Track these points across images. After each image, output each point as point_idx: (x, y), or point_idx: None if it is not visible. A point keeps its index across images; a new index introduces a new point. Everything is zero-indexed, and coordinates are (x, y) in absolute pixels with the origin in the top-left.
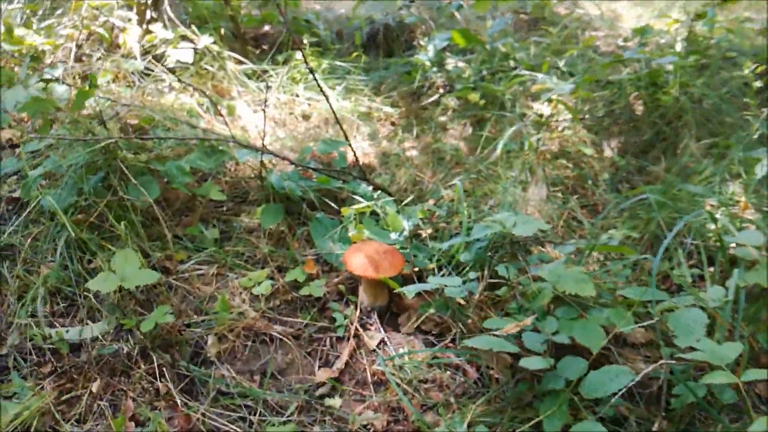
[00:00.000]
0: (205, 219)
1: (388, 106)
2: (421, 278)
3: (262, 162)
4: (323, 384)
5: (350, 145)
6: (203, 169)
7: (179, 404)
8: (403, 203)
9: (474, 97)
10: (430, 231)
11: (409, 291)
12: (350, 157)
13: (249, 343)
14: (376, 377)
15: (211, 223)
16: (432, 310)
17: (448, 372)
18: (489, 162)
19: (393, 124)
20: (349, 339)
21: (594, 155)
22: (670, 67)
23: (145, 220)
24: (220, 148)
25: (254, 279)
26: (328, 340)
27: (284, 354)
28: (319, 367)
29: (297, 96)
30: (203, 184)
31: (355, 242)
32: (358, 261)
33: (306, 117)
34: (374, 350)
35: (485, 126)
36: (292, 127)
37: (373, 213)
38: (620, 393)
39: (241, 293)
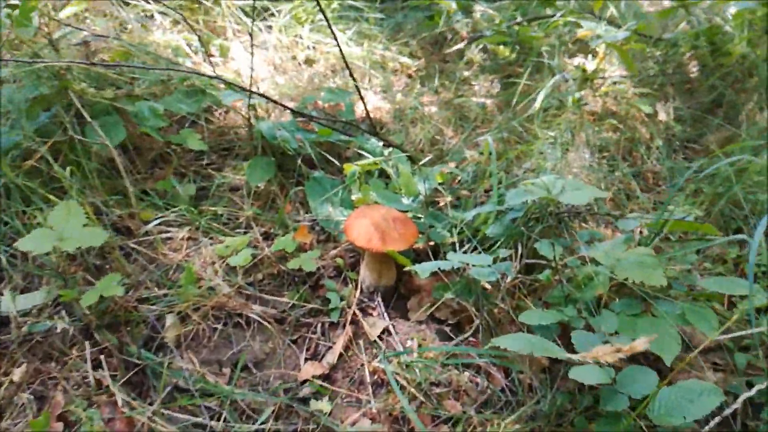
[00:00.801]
0: (181, 173)
1: (406, 56)
2: (437, 254)
3: (250, 105)
4: (309, 382)
5: (360, 95)
6: (182, 112)
7: (120, 403)
8: (420, 164)
9: (503, 51)
10: (450, 199)
11: (423, 270)
12: (359, 110)
13: (219, 327)
14: (376, 376)
15: (187, 178)
16: (450, 295)
17: (467, 374)
18: (522, 118)
19: (410, 76)
20: (345, 326)
21: (647, 118)
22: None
23: (106, 169)
24: (204, 89)
25: (232, 246)
26: (319, 326)
27: (263, 341)
28: (306, 360)
29: (301, 38)
30: (182, 132)
31: (358, 207)
32: (361, 229)
33: (310, 62)
34: (376, 341)
35: (517, 83)
36: (293, 74)
37: (383, 174)
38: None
39: (214, 263)
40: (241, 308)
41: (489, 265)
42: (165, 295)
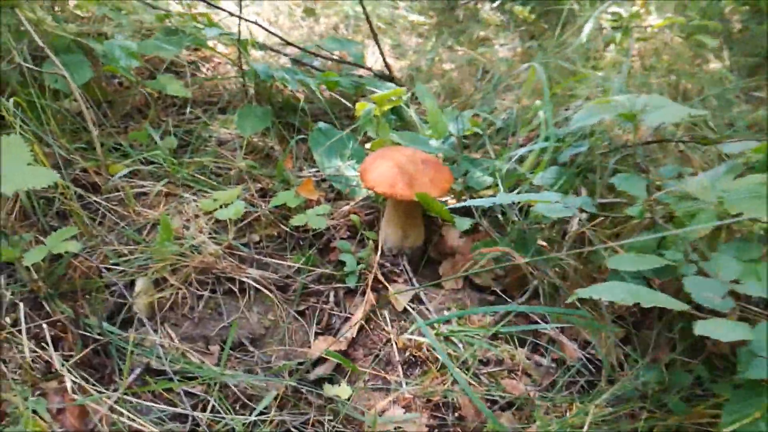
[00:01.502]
0: (160, 127)
1: (416, 14)
2: (471, 213)
3: (241, 42)
4: (323, 361)
5: (376, 39)
6: (162, 56)
7: (69, 389)
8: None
9: (522, 11)
10: (482, 152)
11: (464, 221)
12: (370, 63)
13: (205, 294)
14: (407, 353)
15: (167, 130)
16: (493, 255)
17: (524, 351)
18: (561, 58)
19: (421, 35)
20: (365, 293)
21: (696, 68)
22: None
23: (70, 122)
24: (187, 30)
25: (221, 199)
26: (331, 294)
27: (261, 313)
28: (317, 334)
29: None
30: (160, 77)
31: (376, 150)
32: (383, 172)
33: (310, 14)
34: (405, 311)
35: (542, 40)
36: (291, 28)
37: (400, 118)
38: None
39: (198, 217)
40: (233, 271)
41: (556, 201)
42: (135, 256)
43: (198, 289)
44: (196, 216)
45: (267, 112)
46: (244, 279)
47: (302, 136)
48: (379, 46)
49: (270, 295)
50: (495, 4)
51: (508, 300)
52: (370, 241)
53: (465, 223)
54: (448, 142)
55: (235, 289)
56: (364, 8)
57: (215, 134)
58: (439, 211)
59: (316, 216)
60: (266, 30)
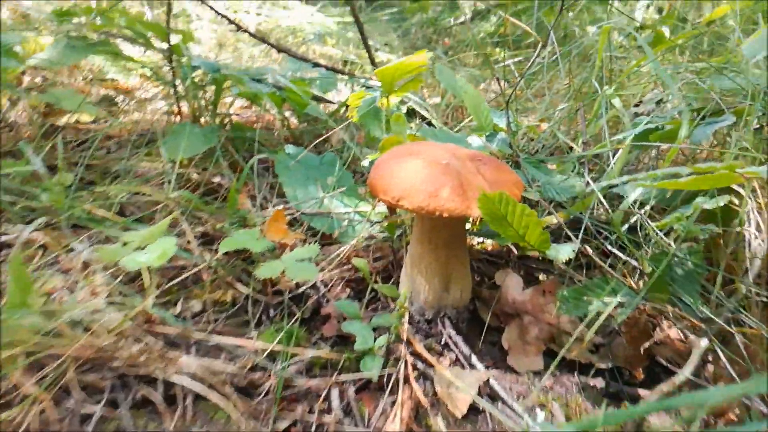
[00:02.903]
0: (53, 163)
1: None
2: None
3: (174, 48)
4: None
5: (366, 43)
6: (53, 65)
7: None
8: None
9: (498, 52)
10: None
11: (563, 249)
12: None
13: (95, 410)
14: None
15: (63, 159)
16: (599, 304)
17: None
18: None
19: None
20: (398, 388)
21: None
22: None
23: None
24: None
25: (135, 242)
26: (335, 394)
27: None
28: None
29: (247, 13)
30: (52, 91)
31: (390, 149)
32: (413, 174)
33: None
34: (469, 415)
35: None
36: (237, 51)
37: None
38: None
39: (92, 274)
40: (152, 363)
41: None
42: None
43: (82, 402)
44: (88, 271)
45: (211, 131)
46: (174, 378)
47: (266, 165)
48: (368, 49)
49: (223, 405)
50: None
51: (632, 384)
52: (391, 300)
53: (565, 251)
54: (498, 139)
55: (157, 398)
56: (356, 17)
57: (137, 168)
58: (530, 233)
59: (297, 263)
60: (230, 20)
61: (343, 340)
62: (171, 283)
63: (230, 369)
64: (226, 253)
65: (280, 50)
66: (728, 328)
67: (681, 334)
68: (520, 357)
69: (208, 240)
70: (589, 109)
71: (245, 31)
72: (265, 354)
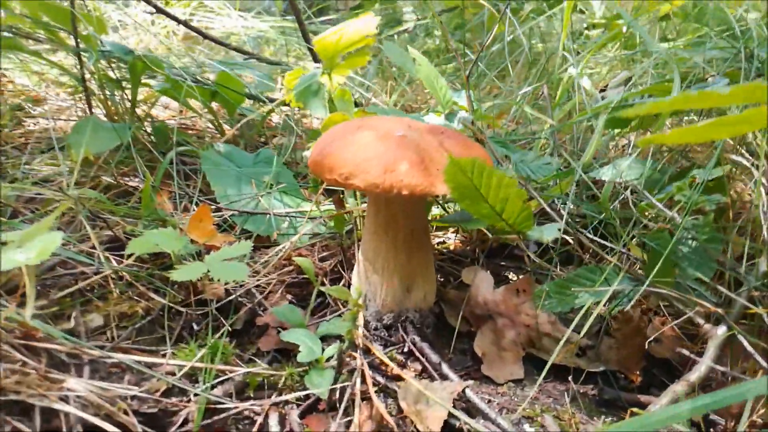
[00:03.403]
0: None
1: None
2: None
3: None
4: None
5: (306, 38)
6: None
7: None
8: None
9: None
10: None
11: (548, 230)
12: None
13: None
14: None
15: None
16: (589, 297)
17: None
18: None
19: None
20: (353, 406)
21: None
22: None
23: None
24: None
25: (14, 241)
26: (273, 419)
27: None
28: None
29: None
30: None
31: (334, 125)
32: (365, 148)
33: (190, 40)
34: None
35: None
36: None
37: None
38: None
39: None
40: (26, 387)
41: None
42: None
43: None
44: None
45: (123, 127)
46: (56, 406)
47: (194, 167)
48: (305, 34)
49: None
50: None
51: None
52: (342, 305)
53: (550, 231)
54: (459, 118)
55: (32, 431)
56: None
57: (34, 171)
58: (509, 208)
59: (224, 264)
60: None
61: (285, 355)
62: (65, 293)
63: (132, 393)
64: (138, 259)
65: (207, 38)
66: (753, 307)
67: (676, 330)
68: (497, 365)
69: (117, 245)
70: (553, 93)
71: (180, 22)
72: (184, 371)
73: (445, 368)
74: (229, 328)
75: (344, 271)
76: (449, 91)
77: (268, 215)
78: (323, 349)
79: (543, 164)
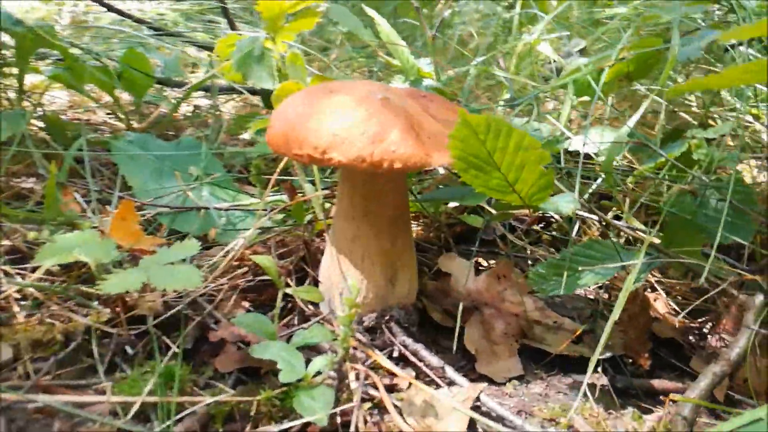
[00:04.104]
0: None
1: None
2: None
3: None
4: None
5: (230, 20)
6: None
7: None
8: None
9: None
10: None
11: (564, 202)
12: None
13: None
14: None
15: None
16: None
17: None
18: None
19: None
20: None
21: None
22: None
23: None
24: None
25: None
26: None
27: None
28: None
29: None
30: None
31: (297, 92)
32: (343, 116)
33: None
34: None
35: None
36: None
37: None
38: None
39: None
40: None
41: None
42: None
43: None
44: None
45: (15, 116)
46: None
47: (106, 163)
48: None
49: None
50: None
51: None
52: (312, 307)
53: (566, 202)
54: (425, 85)
55: None
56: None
57: None
58: (524, 176)
59: (166, 268)
60: None
61: (251, 375)
62: None
63: None
64: (47, 272)
65: (113, 11)
66: None
67: (670, 306)
68: (492, 361)
69: (18, 257)
70: (508, 61)
71: None
72: (131, 413)
73: (451, 372)
74: (176, 349)
75: (309, 269)
76: (414, 60)
77: (203, 210)
78: (307, 364)
79: (531, 130)
